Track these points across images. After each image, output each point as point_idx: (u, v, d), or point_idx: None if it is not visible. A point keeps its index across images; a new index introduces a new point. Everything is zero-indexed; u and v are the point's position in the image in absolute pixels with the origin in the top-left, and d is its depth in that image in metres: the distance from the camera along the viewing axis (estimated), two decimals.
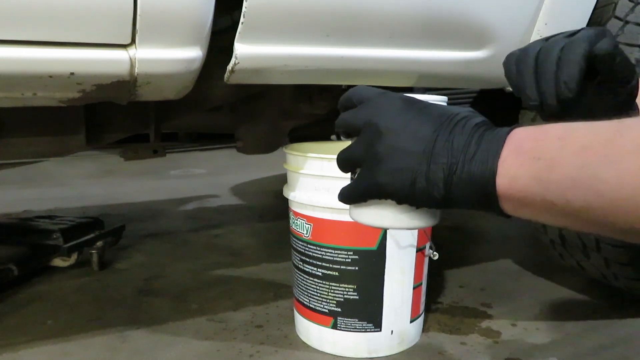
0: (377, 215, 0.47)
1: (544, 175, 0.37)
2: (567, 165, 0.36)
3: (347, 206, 0.49)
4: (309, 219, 0.90)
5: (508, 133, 0.40)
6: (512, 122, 1.42)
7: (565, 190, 0.36)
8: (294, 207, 0.94)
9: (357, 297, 0.89)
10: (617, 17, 0.95)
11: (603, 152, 0.35)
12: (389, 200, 0.45)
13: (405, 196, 0.43)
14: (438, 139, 0.41)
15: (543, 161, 0.37)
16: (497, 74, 0.78)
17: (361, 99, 0.47)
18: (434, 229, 0.50)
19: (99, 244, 1.34)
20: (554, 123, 0.39)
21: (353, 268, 0.88)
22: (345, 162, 0.47)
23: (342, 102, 0.49)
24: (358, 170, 0.46)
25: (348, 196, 0.47)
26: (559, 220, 0.39)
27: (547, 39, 0.50)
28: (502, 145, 0.39)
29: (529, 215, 0.40)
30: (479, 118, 0.43)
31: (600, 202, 0.35)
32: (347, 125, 0.47)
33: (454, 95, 1.29)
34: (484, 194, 0.40)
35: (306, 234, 0.91)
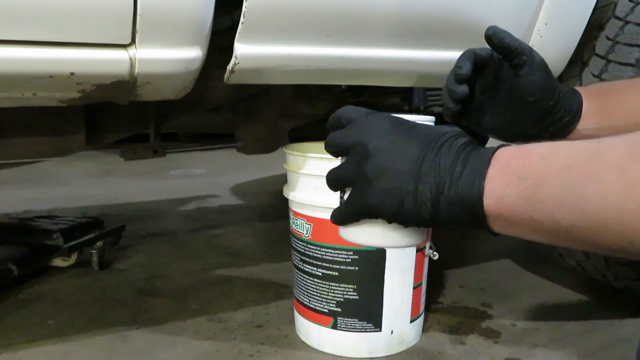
0: (367, 234, 0.48)
1: (530, 195, 0.38)
2: (552, 185, 0.37)
3: None
4: (309, 219, 0.90)
5: (494, 153, 0.41)
6: None
7: (552, 210, 0.37)
8: (294, 207, 0.94)
9: (357, 297, 0.89)
10: (617, 17, 0.95)
11: (585, 171, 0.35)
12: (380, 220, 0.45)
13: (394, 216, 0.44)
14: (425, 159, 0.42)
15: (529, 181, 0.38)
16: None
17: (350, 119, 0.47)
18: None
19: (99, 244, 1.34)
20: (537, 142, 0.40)
21: (353, 268, 0.88)
22: (335, 181, 0.48)
23: (331, 122, 0.50)
24: (347, 190, 0.47)
25: (340, 218, 0.48)
26: (547, 238, 0.39)
27: None
28: (488, 165, 0.40)
29: (517, 233, 0.41)
30: (465, 138, 0.43)
31: (585, 221, 0.35)
32: (336, 145, 0.47)
33: None
34: (472, 213, 0.41)
35: (306, 234, 0.91)
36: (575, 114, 0.65)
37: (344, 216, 0.48)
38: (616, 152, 0.34)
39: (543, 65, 0.63)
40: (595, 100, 0.65)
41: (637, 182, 0.32)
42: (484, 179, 0.40)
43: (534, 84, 0.61)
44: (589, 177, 0.35)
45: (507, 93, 0.64)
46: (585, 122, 0.65)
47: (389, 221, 0.45)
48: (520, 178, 0.38)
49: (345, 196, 0.47)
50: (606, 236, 0.35)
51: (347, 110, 0.48)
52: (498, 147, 0.42)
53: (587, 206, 0.35)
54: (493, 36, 0.59)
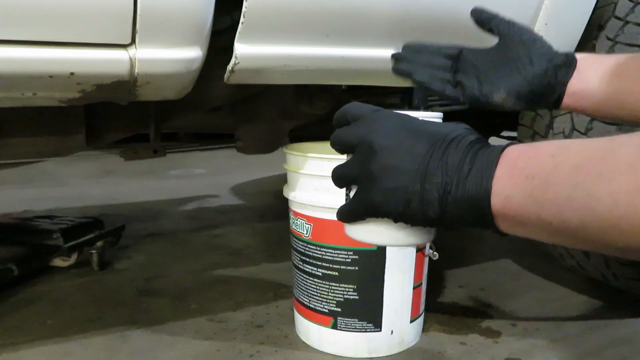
0: (373, 232, 0.47)
1: (538, 194, 0.37)
2: (562, 184, 0.36)
3: None
4: (309, 219, 0.90)
5: (501, 151, 0.40)
6: (512, 121, 1.42)
7: (561, 209, 0.36)
8: (294, 207, 0.94)
9: (357, 297, 0.89)
10: (617, 17, 0.95)
11: (596, 170, 0.34)
12: (385, 218, 0.45)
13: (400, 215, 0.43)
14: (432, 158, 0.41)
15: (537, 180, 0.37)
16: None
17: (355, 116, 0.47)
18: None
19: (99, 244, 1.34)
20: (546, 141, 0.40)
21: (353, 268, 0.88)
22: (340, 178, 0.47)
23: (336, 118, 0.49)
24: (353, 187, 0.46)
25: (346, 215, 0.48)
26: (556, 238, 0.39)
27: None
28: (496, 164, 0.39)
29: (525, 233, 0.40)
30: (473, 136, 0.43)
31: (595, 220, 0.34)
32: (341, 142, 0.47)
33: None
34: (480, 213, 0.40)
35: (306, 234, 0.91)
36: (569, 56, 0.67)
37: (349, 214, 0.47)
38: (628, 150, 0.34)
39: (522, 25, 0.69)
40: (591, 57, 0.67)
41: None
42: (492, 178, 0.39)
43: (521, 31, 0.67)
44: (599, 176, 0.34)
45: (505, 55, 0.68)
46: (585, 72, 0.66)
47: (395, 220, 0.44)
48: (528, 177, 0.37)
49: (351, 193, 0.47)
50: (616, 236, 0.34)
51: (353, 107, 0.47)
52: (506, 146, 0.41)
53: (598, 206, 0.34)
54: (474, 11, 0.71)
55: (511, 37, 0.68)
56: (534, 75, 0.66)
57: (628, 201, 0.32)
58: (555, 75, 0.66)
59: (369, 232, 0.48)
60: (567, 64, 0.66)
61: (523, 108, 0.70)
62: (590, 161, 0.35)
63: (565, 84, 0.66)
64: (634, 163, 0.33)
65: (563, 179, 0.36)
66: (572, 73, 0.66)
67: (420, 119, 0.45)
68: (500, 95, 0.67)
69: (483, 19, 0.70)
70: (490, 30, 0.70)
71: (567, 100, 0.67)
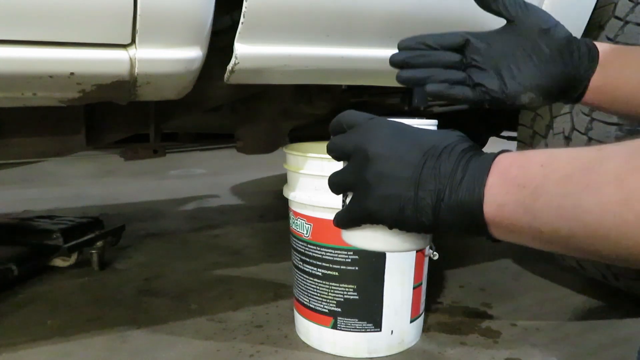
0: (369, 238, 0.48)
1: (529, 203, 0.38)
2: (552, 193, 0.36)
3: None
4: (309, 219, 0.90)
5: (493, 159, 0.41)
6: (512, 120, 1.42)
7: (551, 218, 0.37)
8: (294, 207, 0.94)
9: (357, 297, 0.89)
10: (617, 17, 0.95)
11: (585, 181, 0.35)
12: (381, 225, 0.45)
13: (394, 222, 0.44)
14: (425, 166, 0.42)
15: (528, 189, 0.38)
16: None
17: (350, 124, 0.47)
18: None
19: (99, 244, 1.34)
20: (538, 149, 0.40)
21: (353, 268, 0.88)
22: (336, 185, 0.48)
23: (332, 126, 0.49)
24: (349, 193, 0.47)
25: (342, 222, 0.49)
26: (547, 246, 0.39)
27: None
28: (488, 172, 0.40)
29: (517, 240, 0.41)
30: (466, 144, 0.43)
31: (584, 231, 0.35)
32: (337, 149, 0.47)
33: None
34: (472, 220, 0.41)
35: (306, 234, 0.91)
36: (591, 47, 0.62)
37: (345, 220, 0.48)
38: (615, 161, 0.34)
39: (536, 7, 0.64)
40: (612, 51, 0.63)
41: (637, 193, 0.32)
42: (484, 186, 0.40)
43: (538, 16, 0.62)
44: (588, 186, 0.35)
45: (522, 44, 0.62)
46: (608, 67, 0.62)
47: (390, 227, 0.45)
48: (519, 186, 0.38)
49: (348, 200, 0.48)
50: (606, 246, 0.35)
51: (348, 115, 0.48)
52: (498, 153, 0.42)
53: (587, 216, 0.34)
54: None
55: (526, 22, 0.62)
56: (560, 71, 0.61)
57: (616, 212, 0.33)
58: (580, 71, 0.62)
59: (365, 238, 0.48)
60: (591, 57, 0.62)
61: (548, 104, 0.67)
62: (579, 172, 0.36)
63: (589, 79, 0.62)
64: (621, 174, 0.33)
65: (553, 188, 0.36)
66: (595, 67, 0.62)
67: (414, 126, 0.46)
68: (528, 96, 0.62)
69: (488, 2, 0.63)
70: (496, 11, 0.63)
71: (588, 95, 0.63)
